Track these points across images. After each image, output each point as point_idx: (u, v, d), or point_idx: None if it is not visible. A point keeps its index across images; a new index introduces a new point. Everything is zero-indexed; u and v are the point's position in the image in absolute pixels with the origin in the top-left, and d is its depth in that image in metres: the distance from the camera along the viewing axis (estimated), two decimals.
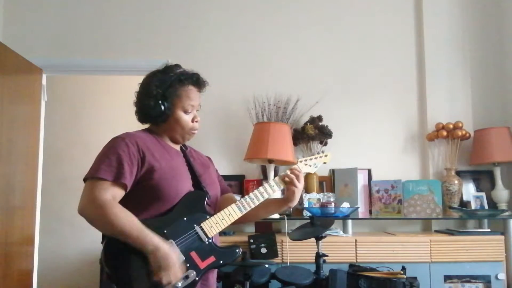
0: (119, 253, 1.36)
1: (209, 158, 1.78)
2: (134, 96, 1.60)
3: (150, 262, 1.33)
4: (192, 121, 1.58)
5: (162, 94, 1.52)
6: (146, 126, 1.64)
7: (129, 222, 1.34)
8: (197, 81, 1.59)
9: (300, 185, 1.59)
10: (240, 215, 1.54)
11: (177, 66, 1.60)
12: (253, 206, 1.56)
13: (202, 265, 1.43)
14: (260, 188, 1.60)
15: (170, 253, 1.34)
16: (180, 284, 1.37)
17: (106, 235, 1.39)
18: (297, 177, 1.59)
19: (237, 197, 2.87)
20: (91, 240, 3.95)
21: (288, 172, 1.61)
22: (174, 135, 1.59)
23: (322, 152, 1.79)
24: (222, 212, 1.52)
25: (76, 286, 4.08)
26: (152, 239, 1.34)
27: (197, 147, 1.77)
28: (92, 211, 1.36)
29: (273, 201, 1.67)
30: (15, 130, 2.95)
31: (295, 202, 1.61)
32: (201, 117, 1.64)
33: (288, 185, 1.60)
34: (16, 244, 2.92)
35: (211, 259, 1.45)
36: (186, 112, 1.56)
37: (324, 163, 1.77)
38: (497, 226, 2.80)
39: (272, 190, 1.60)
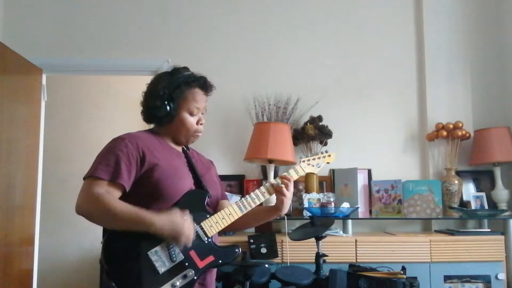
0: (119, 251, 1.38)
1: (211, 162, 1.78)
2: (139, 96, 1.61)
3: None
4: (197, 123, 1.59)
5: (168, 95, 1.53)
6: (149, 126, 1.65)
7: (125, 208, 1.35)
8: (204, 84, 1.60)
9: (288, 193, 1.56)
10: (240, 214, 1.53)
11: (185, 68, 1.61)
12: (253, 205, 1.56)
13: (201, 264, 1.43)
14: (261, 187, 1.59)
15: (172, 219, 1.35)
16: (178, 283, 1.37)
17: (106, 231, 1.40)
18: (286, 186, 1.56)
19: (237, 197, 2.89)
20: (91, 240, 3.96)
21: (278, 180, 1.59)
22: (178, 136, 1.59)
23: (326, 152, 1.78)
24: (222, 211, 1.52)
25: (76, 286, 4.08)
26: (152, 218, 1.34)
27: (197, 147, 1.77)
28: (89, 205, 1.37)
29: (263, 209, 1.67)
30: (15, 130, 2.96)
31: (284, 211, 1.58)
32: None
33: (276, 194, 1.58)
34: (16, 244, 2.92)
35: (210, 258, 1.45)
36: (191, 114, 1.57)
37: (328, 163, 1.76)
38: (497, 226, 2.80)
39: (273, 189, 1.60)
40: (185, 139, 1.60)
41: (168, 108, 1.53)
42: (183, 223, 1.36)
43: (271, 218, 1.66)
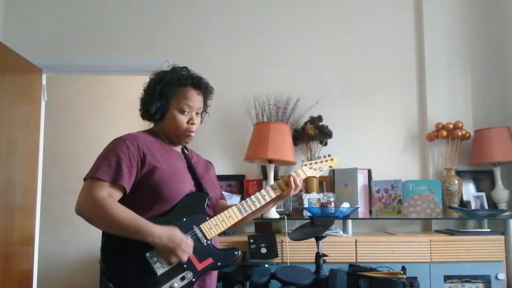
0: (117, 252, 1.38)
1: (210, 163, 1.77)
2: (139, 97, 1.62)
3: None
4: (188, 122, 1.56)
5: (159, 91, 1.53)
6: (147, 123, 1.65)
7: (126, 216, 1.35)
8: (198, 84, 1.58)
9: (295, 190, 1.63)
10: (240, 217, 1.54)
11: (184, 68, 1.61)
12: (254, 209, 1.56)
13: (200, 266, 1.43)
14: (262, 191, 1.60)
15: (172, 232, 1.36)
16: (176, 285, 1.37)
17: (104, 232, 1.40)
18: (295, 180, 1.62)
19: (237, 197, 2.89)
20: (91, 240, 3.95)
21: (281, 181, 1.63)
22: (170, 135, 1.58)
23: (329, 155, 1.77)
24: (222, 214, 1.51)
25: (76, 286, 4.08)
26: (151, 228, 1.35)
27: (197, 147, 1.77)
28: (89, 208, 1.36)
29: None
30: (15, 130, 2.95)
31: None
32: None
33: (288, 189, 1.61)
34: (16, 244, 2.92)
35: (209, 260, 1.44)
36: (181, 112, 1.54)
37: (330, 167, 1.76)
38: (497, 226, 2.80)
39: (274, 193, 1.61)
40: (176, 139, 1.58)
41: (158, 104, 1.53)
42: (181, 240, 1.36)
43: (269, 208, 1.69)
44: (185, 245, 1.37)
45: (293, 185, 1.60)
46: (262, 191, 1.60)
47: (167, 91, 1.53)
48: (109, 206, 1.35)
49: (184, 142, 1.60)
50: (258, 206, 1.57)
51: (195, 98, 1.56)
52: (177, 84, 1.54)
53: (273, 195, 1.60)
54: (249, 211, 1.55)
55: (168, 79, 1.54)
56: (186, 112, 1.55)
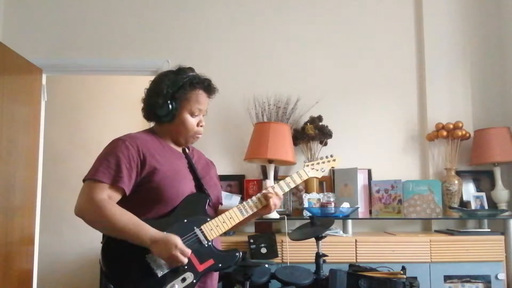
0: (117, 254, 1.38)
1: (211, 162, 1.77)
2: (139, 97, 1.61)
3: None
4: (197, 125, 1.58)
5: (171, 94, 1.52)
6: (147, 123, 1.64)
7: (125, 218, 1.35)
8: (208, 87, 1.59)
9: (278, 203, 1.59)
10: (241, 218, 1.54)
11: (191, 69, 1.61)
12: (255, 209, 1.56)
13: (200, 267, 1.42)
14: (263, 191, 1.60)
15: (168, 236, 1.35)
16: (177, 286, 1.37)
17: (104, 234, 1.40)
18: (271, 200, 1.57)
19: (237, 197, 2.89)
20: (91, 240, 3.93)
21: (275, 186, 1.61)
22: (178, 137, 1.58)
23: (331, 156, 1.77)
24: (223, 215, 1.51)
25: (76, 286, 4.08)
26: (148, 232, 1.35)
27: (197, 147, 1.76)
28: (89, 211, 1.36)
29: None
30: (15, 130, 2.95)
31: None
32: None
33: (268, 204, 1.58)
34: (16, 244, 2.92)
35: (210, 262, 1.44)
36: (192, 115, 1.56)
37: (332, 167, 1.76)
38: (497, 226, 2.80)
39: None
40: (184, 140, 1.59)
41: (170, 107, 1.52)
42: (177, 243, 1.34)
43: (261, 215, 1.66)
44: (181, 252, 1.35)
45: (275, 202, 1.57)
46: (263, 191, 1.59)
47: (179, 95, 1.53)
48: (108, 209, 1.34)
49: (190, 143, 1.63)
50: (260, 206, 1.57)
51: (205, 101, 1.59)
52: (190, 88, 1.54)
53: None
54: (250, 212, 1.55)
55: (181, 83, 1.53)
56: (196, 115, 1.57)
